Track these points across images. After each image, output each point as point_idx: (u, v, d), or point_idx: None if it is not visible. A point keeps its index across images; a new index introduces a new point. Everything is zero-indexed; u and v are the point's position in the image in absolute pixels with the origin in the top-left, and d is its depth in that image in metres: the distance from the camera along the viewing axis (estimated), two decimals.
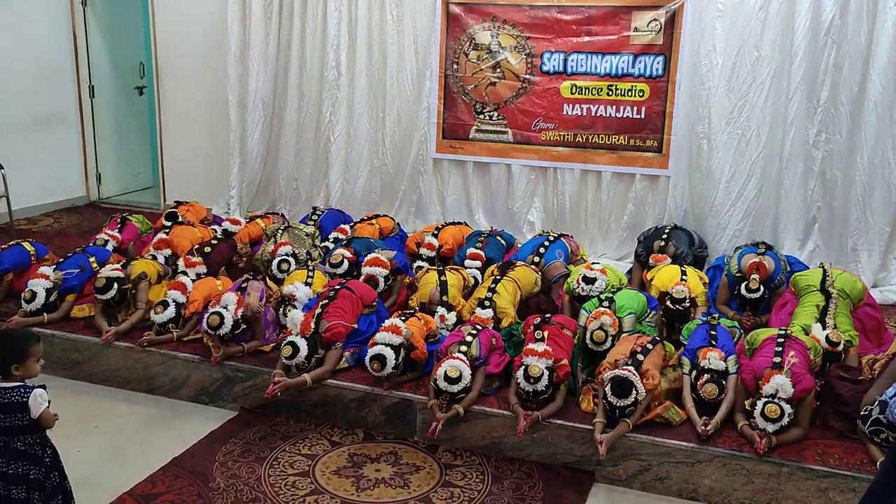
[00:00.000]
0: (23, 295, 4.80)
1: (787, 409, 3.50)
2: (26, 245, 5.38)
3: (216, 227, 5.97)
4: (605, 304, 4.41)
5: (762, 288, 4.77)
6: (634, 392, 3.62)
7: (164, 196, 7.99)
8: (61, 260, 5.14)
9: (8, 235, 6.41)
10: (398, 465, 3.87)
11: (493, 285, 4.77)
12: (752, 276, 4.81)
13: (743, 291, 4.80)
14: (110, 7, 8.10)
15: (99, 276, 4.74)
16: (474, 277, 5.15)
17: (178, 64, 7.66)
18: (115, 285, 4.71)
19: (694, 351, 3.99)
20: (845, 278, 4.60)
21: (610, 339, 4.13)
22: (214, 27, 7.29)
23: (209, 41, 7.41)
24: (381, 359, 4.00)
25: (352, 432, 4.16)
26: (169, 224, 6.02)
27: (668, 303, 4.62)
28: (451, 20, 6.59)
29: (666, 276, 4.99)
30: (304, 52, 7.01)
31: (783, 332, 3.96)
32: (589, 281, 4.75)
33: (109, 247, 5.63)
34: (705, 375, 3.79)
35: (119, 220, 6.16)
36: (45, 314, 4.79)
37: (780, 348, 3.78)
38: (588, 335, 4.16)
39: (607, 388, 3.65)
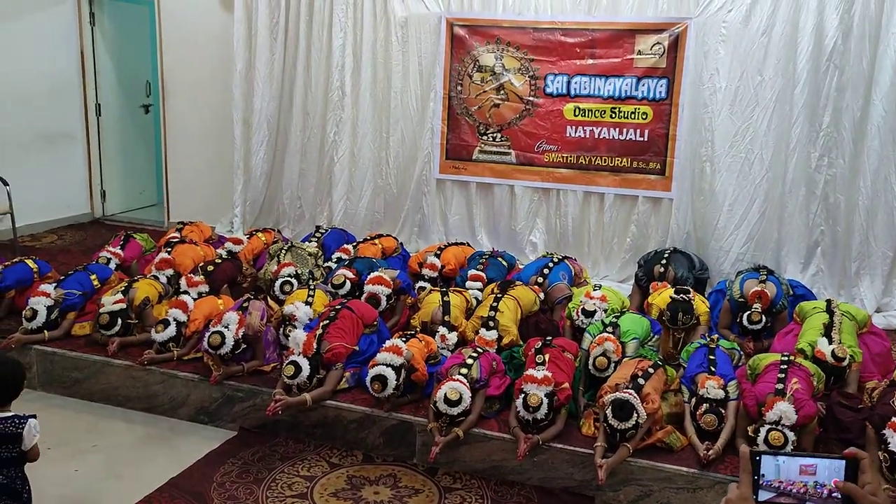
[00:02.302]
0: (24, 313, 4.80)
1: (791, 436, 3.47)
2: (29, 262, 5.38)
3: (221, 251, 5.94)
4: (609, 329, 4.39)
5: (763, 318, 4.75)
6: (635, 415, 3.60)
7: (167, 214, 8.02)
8: (62, 278, 5.14)
9: (12, 252, 6.42)
10: (397, 488, 3.84)
11: (496, 304, 4.76)
12: (754, 307, 4.78)
13: (745, 322, 4.78)
14: (118, 26, 8.18)
15: (101, 311, 4.73)
16: (476, 299, 5.14)
17: (184, 83, 7.71)
18: (119, 320, 4.71)
19: (692, 377, 3.97)
20: (850, 305, 4.71)
21: (612, 365, 4.11)
22: (220, 47, 7.35)
23: (215, 61, 7.47)
24: (382, 379, 3.99)
25: (351, 454, 4.14)
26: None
27: (671, 296, 4.65)
28: (456, 42, 6.63)
29: (668, 295, 4.97)
30: (309, 73, 7.06)
31: (786, 357, 3.95)
32: (588, 314, 4.73)
33: (112, 265, 5.63)
34: (704, 405, 3.77)
35: (122, 237, 6.17)
36: (45, 332, 4.78)
37: (783, 374, 3.76)
38: (591, 361, 4.14)
39: (608, 411, 3.63)
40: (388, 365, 4.02)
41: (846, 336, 4.31)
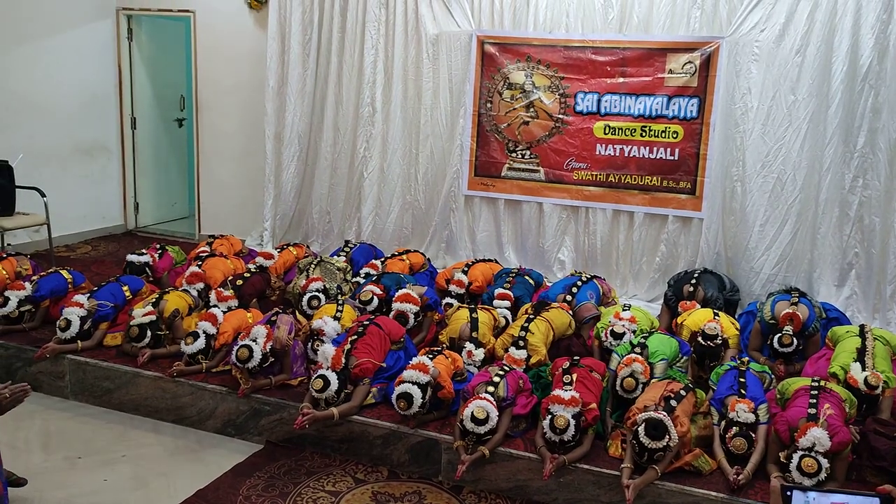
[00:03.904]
0: (58, 323, 4.88)
1: (825, 463, 3.40)
2: (64, 273, 5.49)
3: (252, 265, 5.99)
4: (638, 349, 4.35)
5: (795, 341, 4.68)
6: (668, 437, 3.56)
7: (199, 226, 8.13)
8: (95, 288, 5.22)
9: (48, 262, 6.54)
10: None
11: (527, 324, 4.75)
12: (785, 330, 4.71)
13: (776, 345, 4.71)
14: (154, 41, 8.34)
15: (131, 324, 4.81)
16: (505, 318, 5.12)
17: (217, 97, 7.83)
18: (149, 331, 4.78)
19: (722, 400, 3.92)
20: (884, 331, 4.64)
21: (640, 386, 4.07)
22: (254, 63, 7.47)
23: (248, 76, 7.58)
24: (407, 397, 3.99)
25: (376, 470, 4.14)
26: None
27: (700, 339, 4.57)
28: (486, 59, 6.66)
29: (698, 317, 4.94)
30: (341, 89, 7.14)
31: (816, 382, 3.88)
32: (617, 336, 4.70)
33: (146, 258, 5.78)
34: (734, 428, 3.73)
35: (158, 247, 6.25)
36: (78, 342, 4.86)
37: (814, 399, 3.70)
38: (619, 382, 4.11)
39: (641, 429, 3.59)
40: (414, 383, 4.02)
41: (880, 361, 4.24)
